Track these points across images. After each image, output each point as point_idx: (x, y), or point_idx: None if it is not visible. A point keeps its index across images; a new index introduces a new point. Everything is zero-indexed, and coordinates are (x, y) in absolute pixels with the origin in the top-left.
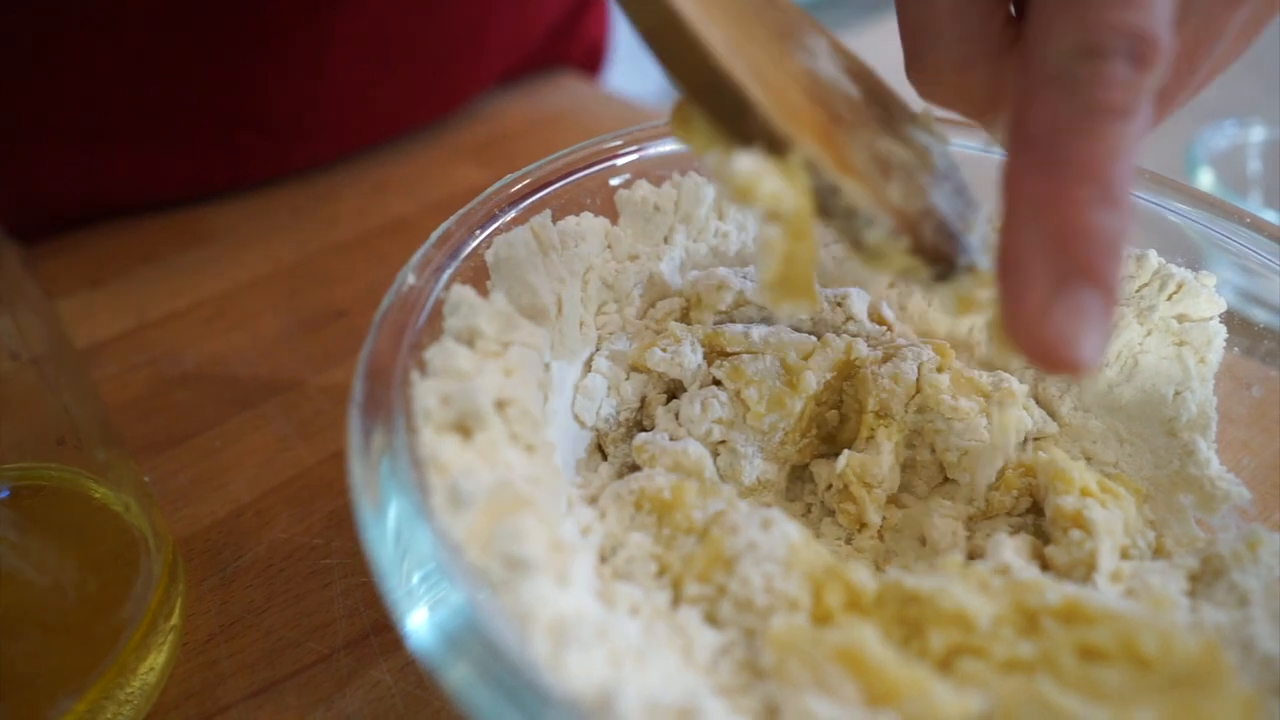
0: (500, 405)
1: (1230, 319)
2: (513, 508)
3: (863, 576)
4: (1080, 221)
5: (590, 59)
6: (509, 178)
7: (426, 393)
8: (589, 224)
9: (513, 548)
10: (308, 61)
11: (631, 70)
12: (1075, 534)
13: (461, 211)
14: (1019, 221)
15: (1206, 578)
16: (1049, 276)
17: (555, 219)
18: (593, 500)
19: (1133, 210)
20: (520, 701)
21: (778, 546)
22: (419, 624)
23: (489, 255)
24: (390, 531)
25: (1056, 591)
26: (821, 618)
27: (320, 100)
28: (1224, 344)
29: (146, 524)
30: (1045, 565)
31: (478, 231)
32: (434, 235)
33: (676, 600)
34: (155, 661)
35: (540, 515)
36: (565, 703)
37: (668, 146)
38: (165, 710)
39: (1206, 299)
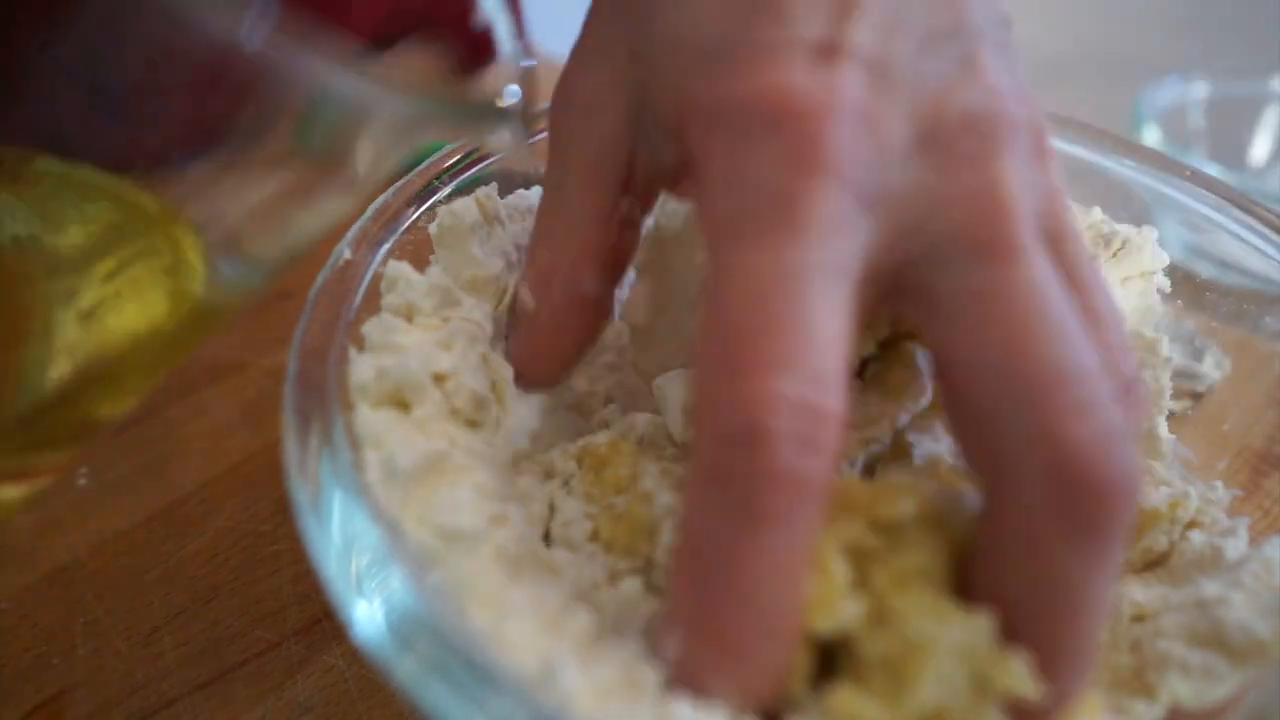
0: (439, 379)
1: (1174, 273)
2: (449, 479)
3: None
4: (722, 689)
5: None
6: (448, 147)
7: (363, 367)
8: (539, 196)
9: (449, 520)
10: None
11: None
12: None
13: (399, 184)
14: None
15: None
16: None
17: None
18: (548, 474)
19: (790, 618)
20: (467, 689)
21: None
22: (363, 614)
23: (432, 227)
24: (328, 516)
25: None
26: None
27: None
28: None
29: None
30: None
31: (416, 204)
32: (370, 208)
33: (614, 568)
34: None
35: (478, 486)
36: (508, 681)
37: None
38: (109, 706)
39: (1150, 254)
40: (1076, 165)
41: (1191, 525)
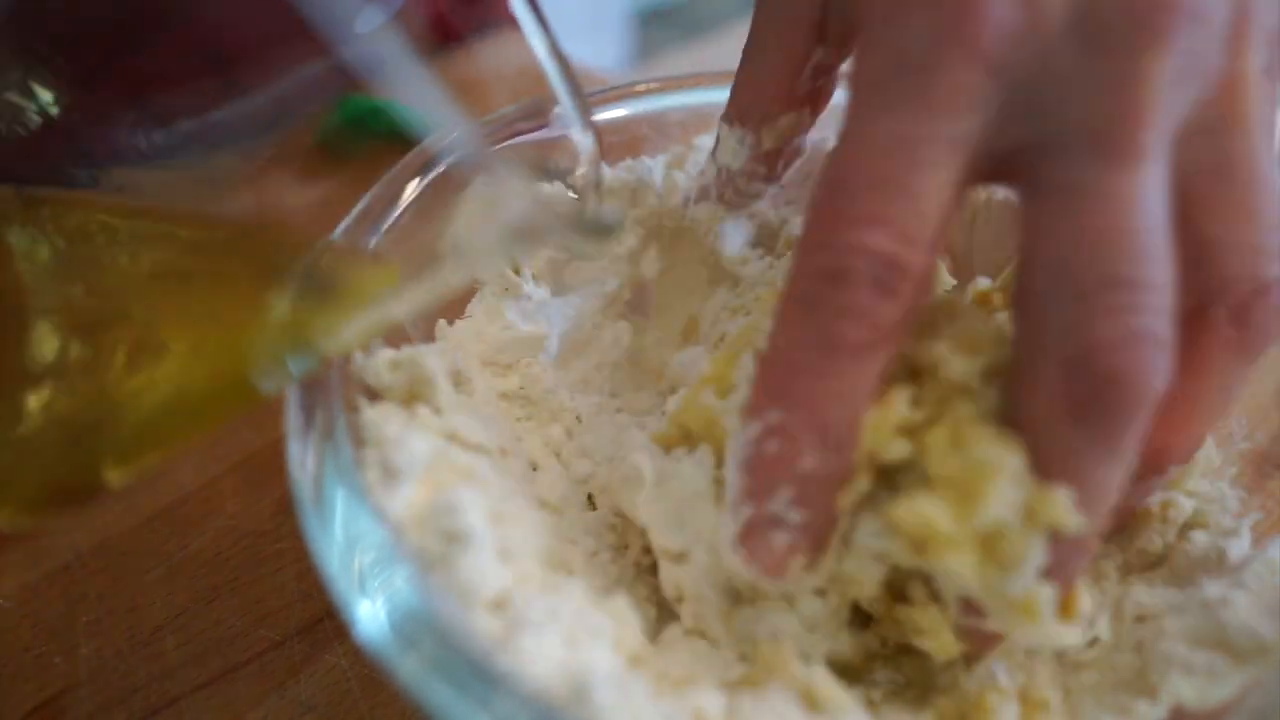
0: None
1: None
2: (450, 480)
3: None
4: (790, 475)
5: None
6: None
7: (375, 359)
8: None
9: (449, 522)
10: None
11: (592, 39)
12: None
13: (380, 185)
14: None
15: None
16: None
17: None
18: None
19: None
20: (470, 688)
21: None
22: (366, 613)
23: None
24: (330, 514)
25: None
26: None
27: None
28: None
29: None
30: None
31: (397, 203)
32: (366, 197)
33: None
34: None
35: (482, 484)
36: (532, 698)
37: (615, 112)
38: (111, 705)
39: None
40: None
41: (1194, 526)
